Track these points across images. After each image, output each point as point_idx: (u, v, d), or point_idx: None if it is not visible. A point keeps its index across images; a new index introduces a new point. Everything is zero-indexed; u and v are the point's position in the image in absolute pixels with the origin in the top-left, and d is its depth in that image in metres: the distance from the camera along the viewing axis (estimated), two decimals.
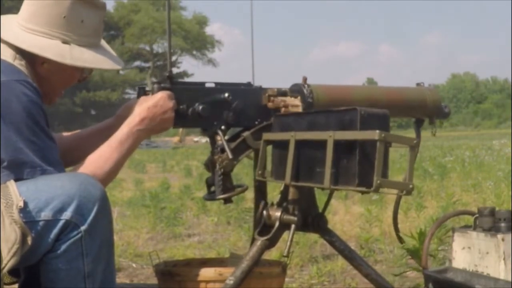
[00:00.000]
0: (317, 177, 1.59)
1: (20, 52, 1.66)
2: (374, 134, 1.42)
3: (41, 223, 1.46)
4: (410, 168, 1.48)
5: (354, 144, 1.48)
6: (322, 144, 1.55)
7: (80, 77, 1.81)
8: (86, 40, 1.72)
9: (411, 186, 1.46)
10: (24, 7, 1.72)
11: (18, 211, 1.43)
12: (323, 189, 1.61)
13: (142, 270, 3.73)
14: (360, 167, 1.46)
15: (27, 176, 1.51)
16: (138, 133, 1.70)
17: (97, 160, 1.63)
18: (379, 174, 1.42)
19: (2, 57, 1.63)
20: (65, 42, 1.68)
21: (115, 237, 2.82)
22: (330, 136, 1.52)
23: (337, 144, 1.51)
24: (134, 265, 3.84)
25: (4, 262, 1.41)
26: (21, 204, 1.43)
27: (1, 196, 1.44)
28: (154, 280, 2.33)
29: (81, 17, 1.70)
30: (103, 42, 1.84)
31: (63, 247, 1.48)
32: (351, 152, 1.48)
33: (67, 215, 1.47)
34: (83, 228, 1.49)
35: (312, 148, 1.62)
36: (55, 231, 1.47)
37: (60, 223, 1.47)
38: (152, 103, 1.73)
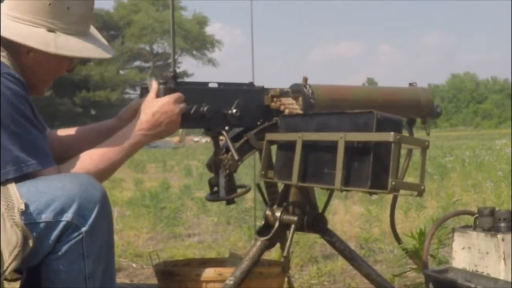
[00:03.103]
0: (326, 178, 1.58)
1: (3, 42, 1.60)
2: (389, 136, 1.42)
3: (42, 225, 1.45)
4: (422, 170, 1.48)
5: (368, 147, 1.47)
6: (331, 145, 1.54)
7: (68, 67, 1.74)
8: (73, 28, 1.65)
9: (422, 187, 1.46)
10: None
11: (20, 214, 1.42)
12: (328, 189, 1.60)
13: (142, 270, 3.72)
14: (373, 169, 1.45)
15: (13, 174, 1.48)
16: (140, 138, 1.67)
17: (92, 157, 1.60)
18: (393, 176, 1.41)
19: None
20: (50, 30, 1.62)
21: (115, 237, 2.82)
22: (341, 137, 1.50)
23: (348, 145, 1.50)
24: (134, 265, 3.84)
25: (5, 265, 1.41)
26: (23, 206, 1.42)
27: (1, 199, 1.44)
28: (154, 280, 2.33)
29: (67, 4, 1.63)
30: (94, 30, 1.77)
31: (64, 248, 1.48)
32: (363, 154, 1.47)
33: (67, 216, 1.46)
34: (84, 229, 1.48)
35: (321, 149, 1.61)
36: (56, 232, 1.46)
37: (61, 225, 1.46)
38: (158, 108, 1.67)
